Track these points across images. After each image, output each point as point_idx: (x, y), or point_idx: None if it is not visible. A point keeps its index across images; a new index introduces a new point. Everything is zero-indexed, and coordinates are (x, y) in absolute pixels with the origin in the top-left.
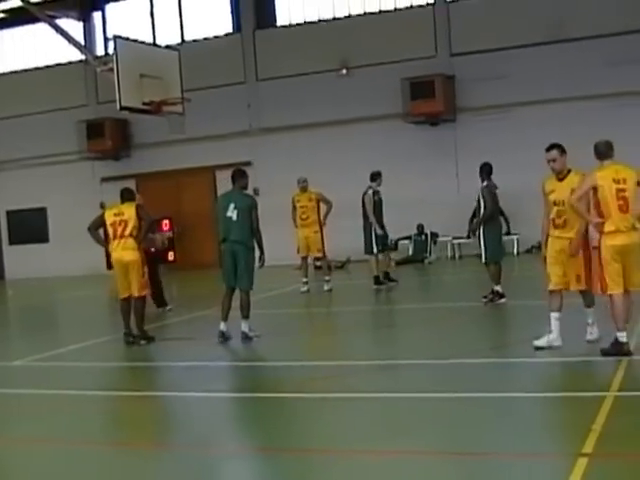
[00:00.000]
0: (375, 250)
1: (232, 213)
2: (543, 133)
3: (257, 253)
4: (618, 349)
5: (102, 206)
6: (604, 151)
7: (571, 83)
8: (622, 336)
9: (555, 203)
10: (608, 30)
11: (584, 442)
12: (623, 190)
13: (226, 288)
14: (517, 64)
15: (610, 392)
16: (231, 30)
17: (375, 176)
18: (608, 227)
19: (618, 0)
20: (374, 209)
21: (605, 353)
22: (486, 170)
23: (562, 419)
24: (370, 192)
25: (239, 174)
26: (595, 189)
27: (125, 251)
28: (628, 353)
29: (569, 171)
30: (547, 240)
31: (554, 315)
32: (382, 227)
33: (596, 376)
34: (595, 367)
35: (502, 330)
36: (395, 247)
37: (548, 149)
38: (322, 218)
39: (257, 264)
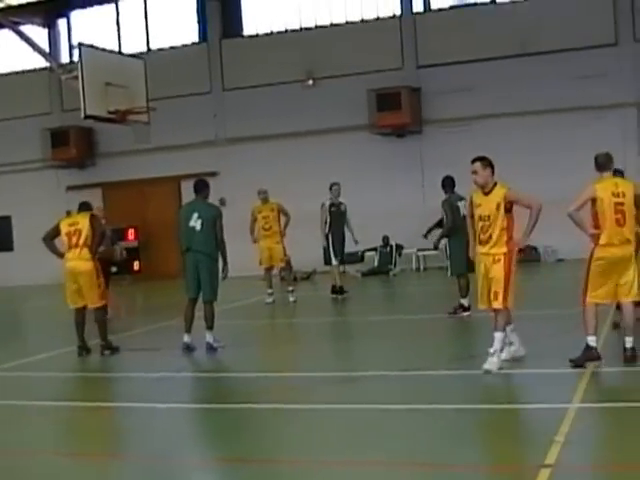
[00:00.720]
0: (334, 261)
1: (196, 223)
2: (508, 146)
3: (221, 264)
4: (588, 354)
5: (68, 215)
6: (604, 163)
7: (535, 96)
8: (592, 340)
9: (480, 218)
10: (572, 45)
11: (547, 453)
12: (621, 204)
13: (188, 299)
14: (482, 77)
15: (573, 403)
16: (197, 39)
17: (330, 187)
18: (602, 239)
19: (583, 15)
20: (331, 221)
21: (576, 360)
22: (448, 183)
23: (525, 430)
24: (327, 203)
25: (201, 184)
26: (594, 201)
27: (79, 261)
28: (598, 358)
29: (495, 184)
30: None
31: (508, 328)
32: (340, 239)
33: (559, 387)
34: (558, 379)
35: (464, 342)
36: (361, 259)
37: (472, 161)
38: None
39: (221, 275)
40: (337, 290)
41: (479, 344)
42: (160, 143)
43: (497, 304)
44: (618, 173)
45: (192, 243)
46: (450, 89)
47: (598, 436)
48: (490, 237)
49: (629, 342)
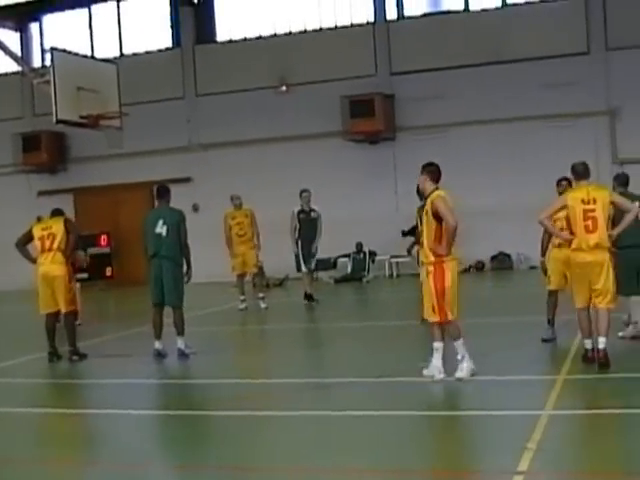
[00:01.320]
0: (303, 268)
1: (161, 229)
2: (481, 153)
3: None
4: (584, 356)
5: (39, 220)
6: (581, 172)
7: (508, 104)
8: (587, 343)
9: (420, 223)
10: (545, 53)
11: (519, 460)
12: (592, 210)
13: (154, 305)
14: (455, 84)
15: (545, 410)
16: (171, 45)
17: (300, 194)
18: (574, 245)
19: (555, 24)
20: (300, 228)
21: (583, 359)
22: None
23: (497, 437)
24: (296, 210)
25: (163, 190)
26: (566, 208)
27: (53, 265)
28: (593, 360)
29: (433, 191)
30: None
31: (436, 345)
32: (309, 246)
33: (532, 394)
34: (531, 385)
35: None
36: (334, 265)
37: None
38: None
39: (184, 279)
40: (308, 296)
41: (452, 351)
42: (133, 148)
43: (434, 317)
44: (619, 178)
45: (159, 249)
46: (423, 96)
47: (570, 443)
48: (422, 245)
49: (602, 343)
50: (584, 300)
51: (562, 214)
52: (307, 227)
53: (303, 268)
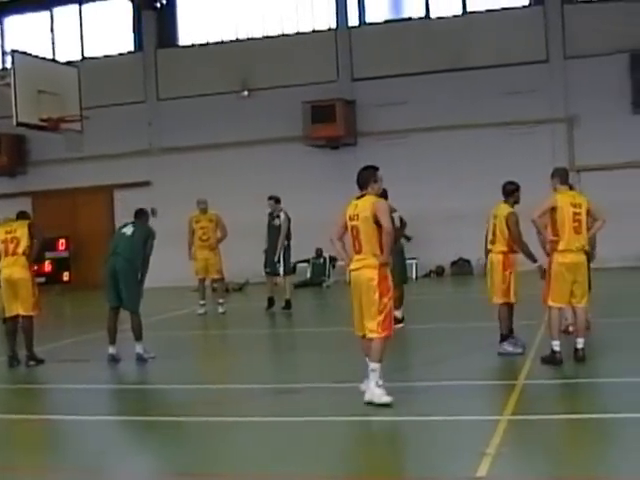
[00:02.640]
0: (263, 272)
1: (127, 230)
2: (440, 158)
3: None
4: (552, 358)
5: (4, 222)
6: (564, 176)
7: (468, 110)
8: (556, 345)
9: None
10: (504, 61)
11: (478, 466)
12: (578, 214)
13: (109, 309)
14: (416, 90)
15: (504, 416)
16: (133, 48)
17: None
18: (561, 246)
19: (515, 32)
20: (267, 232)
21: (544, 361)
22: (382, 195)
23: (455, 443)
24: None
25: (142, 212)
26: (554, 209)
27: (15, 268)
28: (560, 362)
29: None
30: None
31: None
32: (271, 250)
33: (490, 400)
34: (490, 391)
35: (398, 354)
36: (293, 270)
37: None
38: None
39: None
40: (270, 301)
41: (413, 356)
42: (93, 152)
43: (372, 334)
44: (563, 172)
45: (118, 247)
46: (384, 102)
47: (530, 448)
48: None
49: (580, 343)
50: (565, 300)
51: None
52: (269, 232)
53: (263, 272)
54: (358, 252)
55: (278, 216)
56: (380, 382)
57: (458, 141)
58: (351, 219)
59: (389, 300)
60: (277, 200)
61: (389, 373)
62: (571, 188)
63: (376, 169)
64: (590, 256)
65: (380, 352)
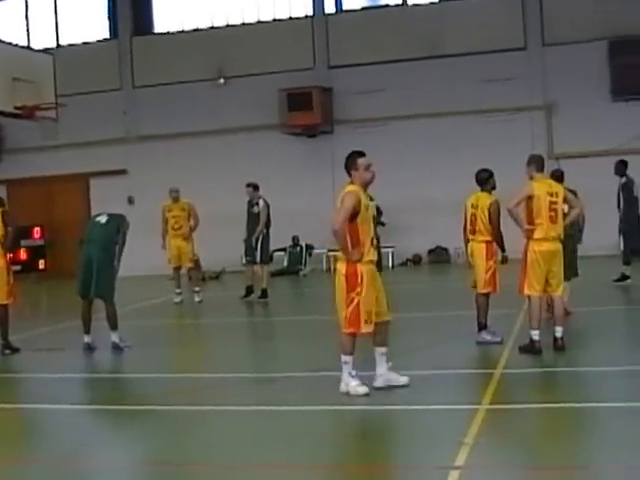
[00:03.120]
0: (243, 260)
1: (101, 218)
2: (418, 146)
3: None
4: (531, 347)
5: None
6: (539, 163)
7: (446, 98)
8: (535, 334)
9: (366, 221)
10: (482, 48)
11: (456, 455)
12: (555, 203)
13: (82, 298)
14: (394, 78)
15: (482, 405)
16: (108, 36)
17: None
18: (537, 234)
19: (493, 19)
20: (247, 220)
21: (522, 350)
22: None
23: (432, 432)
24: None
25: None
26: (530, 198)
27: None
28: (539, 352)
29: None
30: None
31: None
32: (248, 238)
33: (468, 389)
34: (467, 380)
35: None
36: (270, 259)
37: (364, 154)
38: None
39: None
40: (248, 289)
41: (393, 344)
42: (69, 140)
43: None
44: (558, 173)
45: (92, 234)
46: (362, 90)
47: (508, 437)
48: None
49: (559, 332)
50: (541, 288)
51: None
52: (249, 221)
53: (243, 260)
54: None
55: (257, 203)
56: (354, 372)
57: (436, 129)
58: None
59: (357, 295)
60: (255, 187)
61: (365, 363)
62: (561, 177)
63: (358, 155)
64: (577, 239)
65: (345, 345)
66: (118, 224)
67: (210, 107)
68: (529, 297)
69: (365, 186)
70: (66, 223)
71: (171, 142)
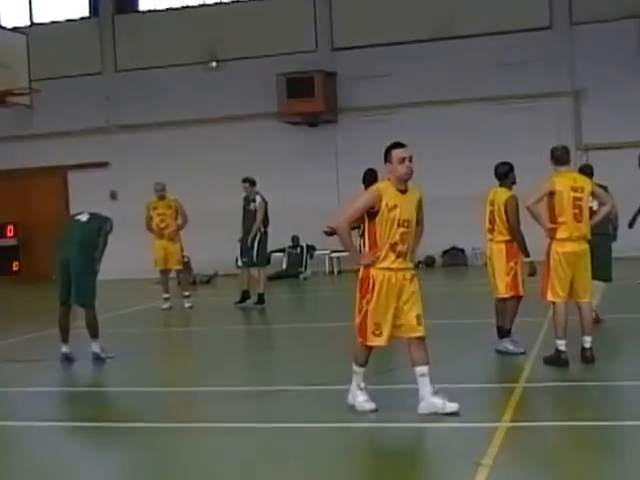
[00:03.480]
0: (238, 262)
1: (82, 216)
2: (430, 137)
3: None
4: (557, 358)
5: None
6: (561, 156)
7: (463, 83)
8: (561, 344)
9: (399, 223)
10: (503, 27)
11: (473, 478)
12: (580, 199)
13: (61, 304)
14: (404, 62)
15: (502, 422)
16: (87, 14)
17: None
18: (560, 234)
19: None
20: (243, 219)
21: (547, 361)
22: (370, 178)
23: (448, 452)
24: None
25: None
26: (552, 194)
27: None
28: (566, 363)
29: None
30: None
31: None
32: (245, 238)
33: (487, 404)
34: (487, 394)
35: (382, 354)
36: (267, 261)
37: (401, 145)
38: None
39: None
40: (244, 294)
41: (398, 356)
42: (44, 129)
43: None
44: (587, 169)
45: (71, 234)
46: (368, 74)
47: (530, 458)
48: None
49: (587, 342)
50: (566, 294)
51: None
52: (244, 218)
53: (238, 262)
54: None
55: (254, 200)
56: (362, 385)
57: (450, 118)
58: None
59: (366, 304)
60: (252, 182)
61: (375, 375)
62: (591, 173)
63: (394, 146)
64: (612, 236)
65: (357, 353)
66: (100, 225)
67: (201, 93)
68: (553, 303)
69: (401, 182)
70: (42, 221)
71: (158, 132)
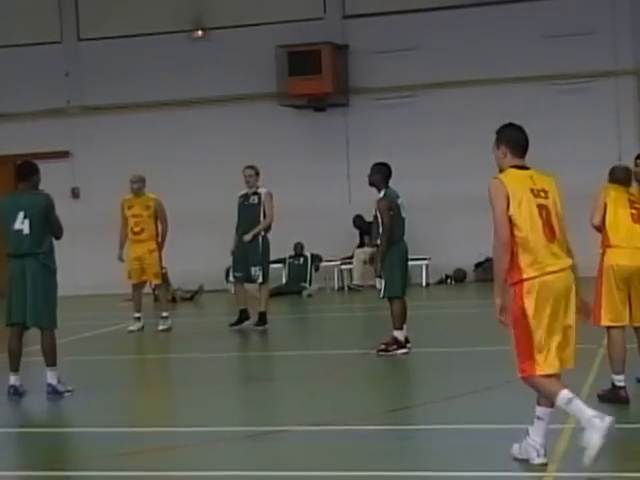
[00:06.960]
0: (230, 277)
1: (23, 225)
2: (459, 123)
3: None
4: (614, 395)
5: None
6: (621, 178)
7: (501, 59)
8: (619, 380)
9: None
10: None
11: None
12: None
13: (12, 326)
14: (429, 33)
15: (547, 472)
16: None
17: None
18: (612, 242)
19: None
20: (238, 221)
21: (602, 399)
22: (384, 174)
23: None
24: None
25: (28, 169)
26: (605, 206)
27: None
28: (625, 401)
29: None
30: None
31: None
32: (242, 243)
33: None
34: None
35: (398, 389)
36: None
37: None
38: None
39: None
40: (242, 314)
41: (417, 391)
42: None
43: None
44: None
45: (20, 248)
46: (387, 48)
47: None
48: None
49: None
50: (621, 317)
51: None
52: (242, 217)
53: (230, 277)
54: None
55: (255, 192)
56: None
57: (485, 101)
58: None
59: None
60: (257, 172)
61: (382, 414)
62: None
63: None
64: None
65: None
66: (47, 225)
67: (183, 69)
68: (608, 329)
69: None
70: None
71: (129, 115)
